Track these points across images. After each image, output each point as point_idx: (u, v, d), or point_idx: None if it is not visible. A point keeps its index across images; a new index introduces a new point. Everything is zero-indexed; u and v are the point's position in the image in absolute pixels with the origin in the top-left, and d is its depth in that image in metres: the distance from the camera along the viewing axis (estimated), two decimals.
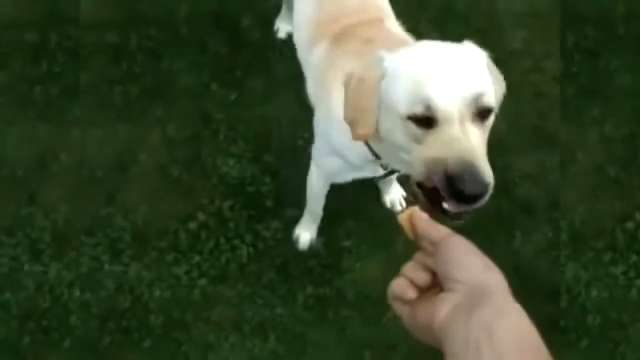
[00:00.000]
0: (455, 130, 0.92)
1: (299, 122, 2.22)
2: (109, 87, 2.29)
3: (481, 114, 0.96)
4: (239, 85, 2.29)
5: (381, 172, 1.38)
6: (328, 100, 1.35)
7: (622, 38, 2.36)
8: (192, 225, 2.09)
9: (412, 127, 0.97)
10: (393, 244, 2.02)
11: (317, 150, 1.57)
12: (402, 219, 0.71)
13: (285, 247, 2.05)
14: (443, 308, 0.58)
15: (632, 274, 1.95)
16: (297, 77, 2.28)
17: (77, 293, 1.98)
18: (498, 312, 0.55)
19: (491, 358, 0.52)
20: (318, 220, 2.00)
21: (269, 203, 2.11)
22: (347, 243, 2.05)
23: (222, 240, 2.07)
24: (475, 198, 0.89)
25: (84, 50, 2.34)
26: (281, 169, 2.16)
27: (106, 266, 2.02)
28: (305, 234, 2.04)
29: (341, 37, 1.42)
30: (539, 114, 2.27)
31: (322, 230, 2.07)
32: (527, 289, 1.76)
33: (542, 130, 2.23)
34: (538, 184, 2.12)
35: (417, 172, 0.98)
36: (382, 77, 1.02)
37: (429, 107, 0.94)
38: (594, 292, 1.92)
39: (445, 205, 0.95)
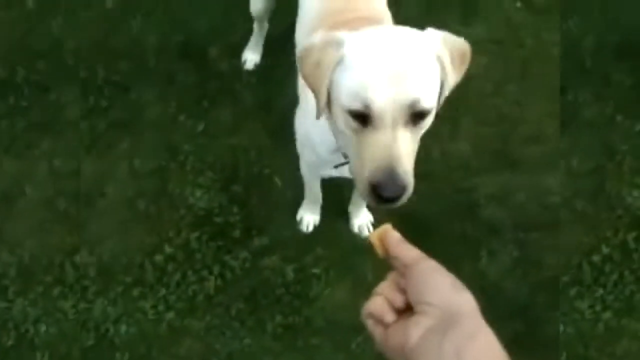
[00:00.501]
0: (385, 135, 0.99)
1: (267, 151, 2.24)
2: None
3: (417, 116, 1.01)
4: (206, 116, 2.30)
5: (342, 161, 1.38)
6: (305, 90, 1.36)
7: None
8: (159, 258, 2.07)
9: (351, 120, 1.02)
10: (361, 269, 2.02)
11: (297, 140, 1.60)
12: (374, 237, 0.71)
13: (253, 277, 2.04)
14: (415, 332, 0.59)
15: None
16: (264, 107, 2.33)
17: (43, 328, 1.96)
18: (469, 336, 0.56)
19: None
20: (319, 202, 2.05)
21: (236, 233, 2.10)
22: (315, 270, 2.04)
23: (189, 272, 2.05)
24: (392, 200, 0.99)
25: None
26: (249, 198, 2.16)
27: (69, 303, 1.99)
28: (308, 215, 2.09)
29: (338, 27, 1.44)
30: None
31: (292, 258, 2.07)
32: (493, 309, 1.77)
33: (505, 152, 2.27)
34: (503, 205, 2.15)
35: (351, 163, 1.07)
36: (339, 61, 1.03)
37: (366, 106, 0.99)
38: None
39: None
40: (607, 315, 1.94)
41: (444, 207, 2.08)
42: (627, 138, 2.21)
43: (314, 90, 1.09)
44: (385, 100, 0.97)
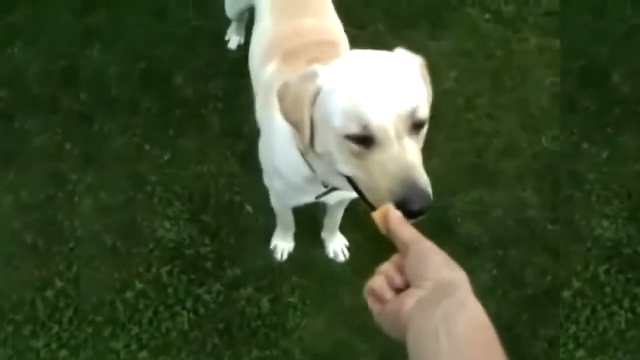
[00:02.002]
0: (394, 149, 0.93)
1: (237, 178, 2.18)
2: None
3: (416, 126, 0.97)
4: (172, 145, 2.24)
5: (322, 190, 1.33)
6: (270, 119, 1.35)
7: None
8: (129, 294, 1.99)
9: (351, 145, 0.96)
10: (339, 296, 1.97)
11: (264, 172, 1.55)
12: (377, 216, 0.75)
13: (227, 310, 1.97)
14: (410, 300, 0.62)
15: None
16: (232, 133, 2.27)
17: None
18: (459, 304, 0.59)
19: (447, 345, 0.56)
20: (292, 229, 2.01)
21: (208, 265, 2.04)
22: (292, 299, 1.98)
23: (161, 307, 1.97)
24: (422, 213, 0.92)
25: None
26: (220, 228, 2.10)
27: (39, 343, 1.90)
28: (281, 243, 2.05)
29: (291, 55, 1.41)
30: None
31: (267, 288, 2.01)
32: None
33: (480, 166, 2.23)
34: (480, 222, 2.11)
35: (363, 187, 1.00)
36: (317, 93, 1.02)
37: (365, 127, 0.93)
38: None
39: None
40: (581, 353, 1.86)
41: (418, 226, 2.02)
42: (595, 166, 2.17)
43: (296, 127, 1.07)
44: (382, 114, 0.93)
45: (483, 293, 1.99)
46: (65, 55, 2.43)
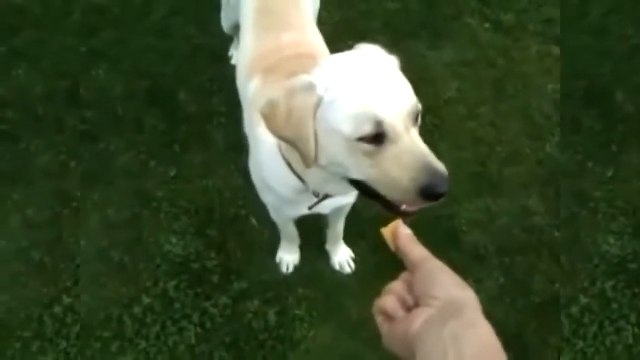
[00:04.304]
0: (405, 141, 0.97)
1: (242, 191, 2.19)
2: None
3: (415, 118, 1.01)
4: (178, 161, 2.27)
5: (314, 200, 1.34)
6: (255, 134, 1.37)
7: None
8: (137, 309, 2.00)
9: (364, 145, 0.98)
10: (346, 308, 1.96)
11: (257, 188, 1.57)
12: (386, 232, 0.74)
13: (234, 323, 1.97)
14: (418, 320, 0.61)
15: None
16: (236, 147, 2.28)
17: None
18: (468, 324, 0.58)
19: None
20: (297, 241, 2.01)
21: (215, 278, 2.04)
22: (298, 311, 1.98)
23: (169, 322, 1.98)
24: (444, 194, 0.97)
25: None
26: (226, 242, 2.11)
27: (47, 359, 1.90)
28: (286, 256, 2.05)
29: (272, 70, 1.43)
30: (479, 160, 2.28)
31: (273, 301, 2.00)
32: None
33: (484, 175, 2.23)
34: (486, 230, 2.10)
35: (382, 187, 1.01)
36: (318, 104, 1.01)
37: (379, 124, 0.96)
38: None
39: (403, 207, 1.02)
40: None
41: (424, 236, 2.02)
42: (600, 184, 2.18)
43: (294, 143, 1.06)
44: (392, 110, 0.97)
45: (490, 301, 2.00)
46: (69, 76, 2.47)
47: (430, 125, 2.36)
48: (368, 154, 0.99)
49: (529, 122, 2.38)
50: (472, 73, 2.54)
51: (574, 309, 1.93)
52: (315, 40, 1.63)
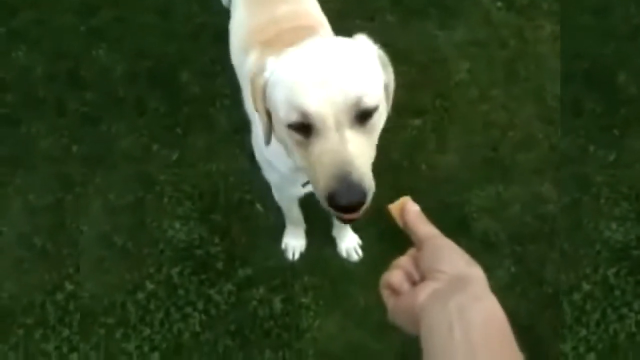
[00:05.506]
0: (331, 140, 0.92)
1: (246, 175, 2.14)
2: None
3: (362, 116, 0.95)
4: (181, 144, 2.21)
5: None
6: (253, 114, 1.35)
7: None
8: (140, 295, 1.97)
9: (294, 134, 0.96)
10: (353, 296, 1.92)
11: (259, 164, 1.54)
12: (394, 209, 0.72)
13: (239, 311, 1.93)
14: (424, 292, 0.61)
15: None
16: (240, 130, 2.23)
17: None
18: (474, 297, 0.58)
19: (460, 336, 0.55)
20: (302, 225, 1.97)
21: (219, 265, 2.00)
22: (304, 300, 1.94)
23: (173, 309, 1.95)
24: (353, 208, 0.91)
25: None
26: (230, 227, 2.06)
27: (50, 346, 1.89)
28: (292, 242, 2.00)
29: (270, 44, 1.39)
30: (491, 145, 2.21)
31: (279, 289, 1.97)
32: None
33: (495, 160, 2.17)
34: (497, 218, 2.05)
35: (310, 179, 0.99)
36: (265, 85, 1.02)
37: (303, 114, 0.93)
38: None
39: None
40: (591, 357, 1.82)
41: (434, 224, 1.97)
42: (602, 169, 2.11)
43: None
44: (320, 103, 0.92)
45: (501, 291, 1.93)
46: (70, 57, 2.41)
47: (440, 108, 2.29)
48: (299, 144, 0.97)
49: (542, 105, 2.31)
50: (484, 54, 2.46)
51: (577, 296, 1.89)
52: (314, 11, 1.58)
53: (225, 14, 2.29)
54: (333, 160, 0.91)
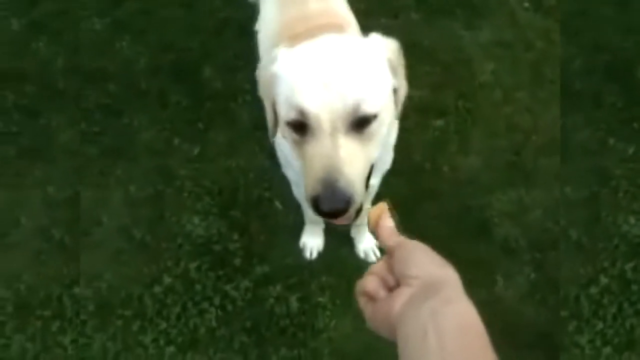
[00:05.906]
0: (324, 144, 0.92)
1: (266, 172, 2.14)
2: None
3: (360, 123, 0.94)
4: (202, 139, 2.22)
5: None
6: None
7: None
8: (158, 289, 1.98)
9: (292, 133, 0.97)
10: None
11: (280, 161, 1.55)
12: (371, 214, 0.72)
13: (256, 308, 1.94)
14: (399, 300, 0.61)
15: None
16: (261, 127, 2.21)
17: None
18: (446, 301, 0.58)
19: (434, 342, 0.55)
20: (321, 224, 1.97)
21: (237, 261, 2.01)
22: (321, 299, 1.94)
23: (189, 304, 1.96)
24: (335, 214, 0.91)
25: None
26: (249, 224, 2.07)
27: (68, 338, 1.90)
28: (310, 241, 2.00)
29: (297, 39, 1.38)
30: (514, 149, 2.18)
31: (296, 287, 1.97)
32: (511, 338, 1.65)
33: (518, 165, 2.14)
34: (518, 223, 2.02)
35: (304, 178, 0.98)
36: (272, 77, 1.02)
37: (301, 113, 0.93)
38: None
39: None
40: (608, 350, 1.80)
41: (454, 227, 1.96)
42: (621, 162, 2.09)
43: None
44: (318, 105, 0.92)
45: (521, 298, 1.93)
46: (92, 49, 2.41)
47: (463, 109, 2.27)
48: (296, 142, 0.97)
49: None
50: (509, 55, 2.42)
51: (594, 290, 1.88)
52: (342, 10, 1.58)
53: (248, 9, 2.29)
54: (322, 164, 0.91)
